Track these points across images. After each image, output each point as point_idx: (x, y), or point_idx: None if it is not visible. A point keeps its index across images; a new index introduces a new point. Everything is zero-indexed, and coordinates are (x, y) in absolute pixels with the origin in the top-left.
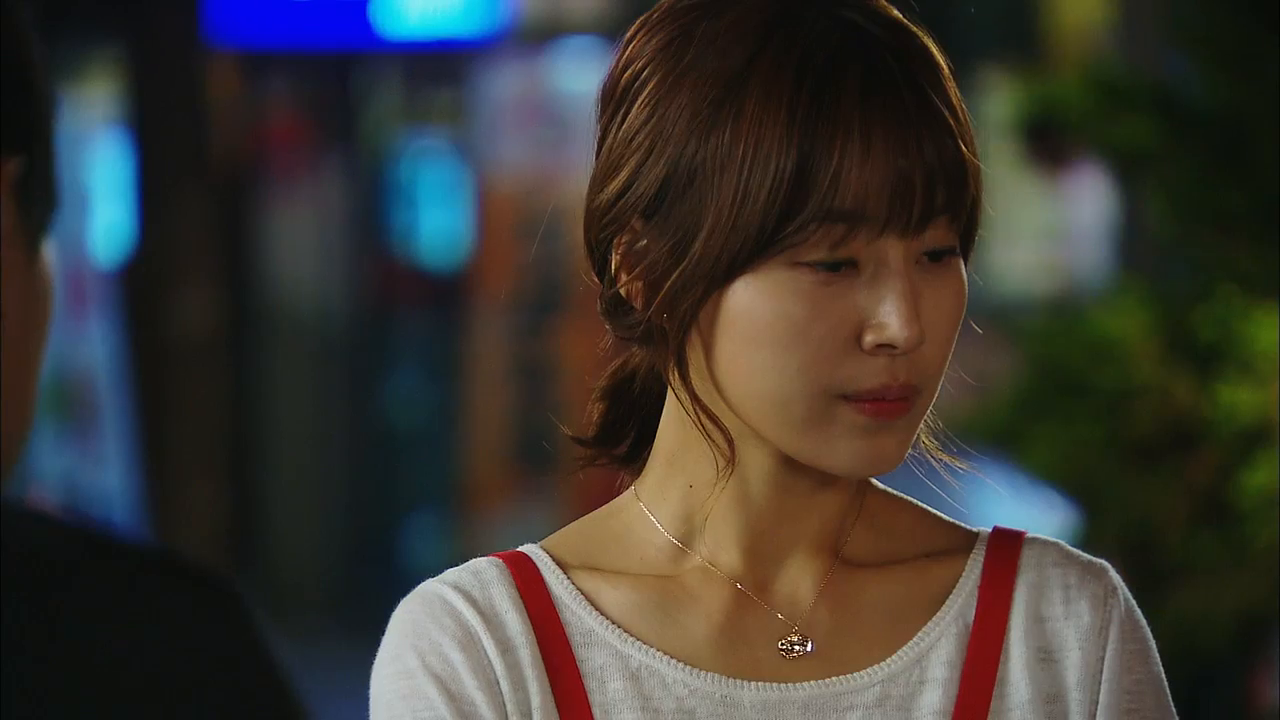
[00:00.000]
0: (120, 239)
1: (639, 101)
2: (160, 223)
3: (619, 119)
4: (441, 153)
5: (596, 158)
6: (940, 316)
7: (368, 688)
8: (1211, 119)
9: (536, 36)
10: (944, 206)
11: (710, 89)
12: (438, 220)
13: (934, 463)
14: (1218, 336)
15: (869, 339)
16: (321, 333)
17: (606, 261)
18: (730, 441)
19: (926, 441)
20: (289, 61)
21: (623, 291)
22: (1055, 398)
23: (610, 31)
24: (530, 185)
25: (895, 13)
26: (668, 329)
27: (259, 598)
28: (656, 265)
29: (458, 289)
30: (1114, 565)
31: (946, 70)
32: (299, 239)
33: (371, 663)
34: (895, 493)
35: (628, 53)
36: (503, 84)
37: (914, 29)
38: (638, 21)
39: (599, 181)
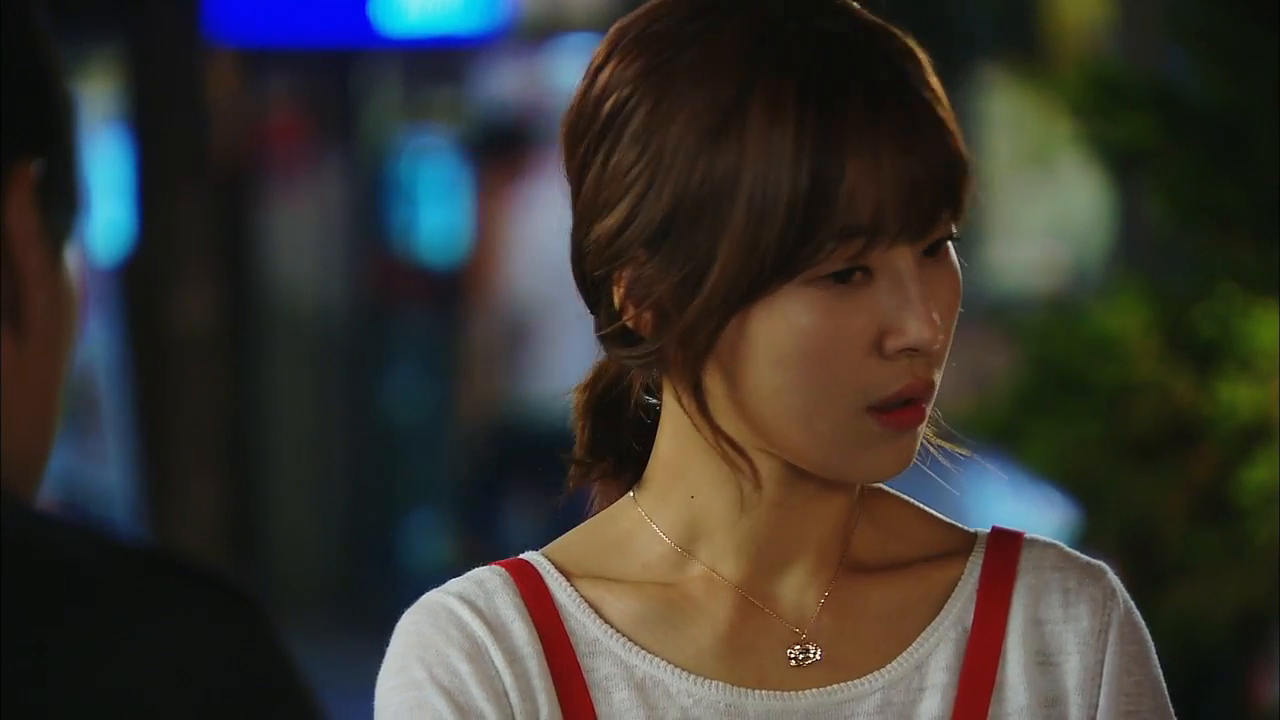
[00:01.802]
0: (119, 236)
1: (628, 134)
2: (160, 220)
3: (604, 152)
4: (441, 150)
5: (577, 190)
6: (942, 307)
7: (368, 684)
8: (1211, 116)
9: (536, 34)
10: (948, 204)
11: (707, 116)
12: (438, 217)
13: (932, 449)
14: (1217, 333)
15: (890, 345)
16: (321, 330)
17: (601, 294)
18: (751, 464)
19: (927, 432)
20: (288, 59)
21: (629, 324)
22: (1054, 395)
23: (609, 29)
24: None
25: (868, 15)
26: (683, 358)
27: (259, 596)
28: (666, 296)
29: (458, 286)
30: (1113, 563)
31: (927, 63)
32: (299, 236)
33: (372, 659)
34: (893, 491)
35: (601, 81)
36: (502, 81)
37: (891, 29)
38: (602, 49)
39: (590, 216)
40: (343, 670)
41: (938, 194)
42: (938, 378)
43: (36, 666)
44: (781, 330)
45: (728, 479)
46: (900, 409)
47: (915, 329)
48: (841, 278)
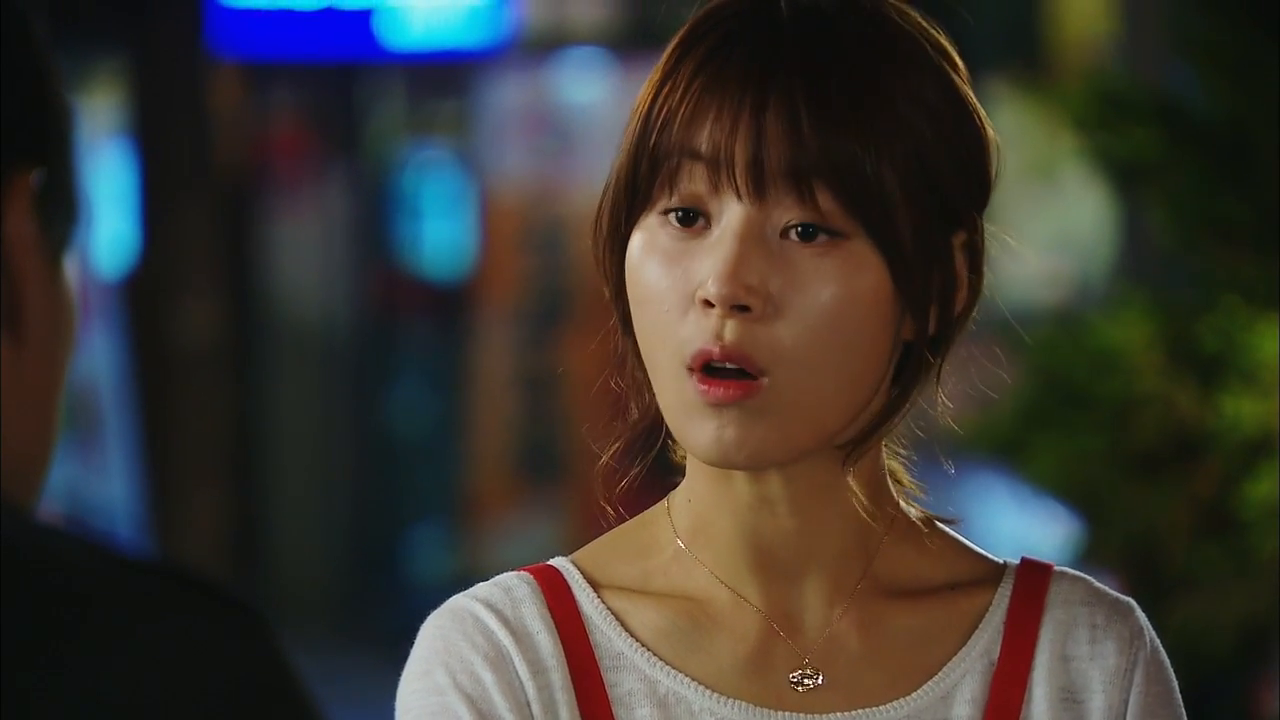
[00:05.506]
0: (124, 249)
1: None
2: (164, 233)
3: None
4: (445, 163)
5: None
6: (805, 300)
7: (371, 695)
8: (1214, 129)
9: (540, 47)
10: (796, 183)
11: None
12: (441, 231)
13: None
14: (1221, 347)
15: (697, 293)
16: (325, 343)
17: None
18: (648, 426)
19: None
20: (292, 72)
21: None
22: (1058, 408)
23: (614, 42)
24: (534, 196)
25: (877, 10)
26: (609, 293)
27: (262, 607)
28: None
29: (461, 299)
30: (1117, 576)
31: (877, 64)
32: (302, 249)
33: (374, 671)
34: (926, 514)
35: None
36: (506, 95)
37: (858, 19)
38: None
39: None
40: (345, 682)
41: (757, 165)
42: (771, 365)
43: (39, 676)
44: (637, 264)
45: (711, 478)
46: (712, 378)
47: (711, 280)
48: (685, 221)
